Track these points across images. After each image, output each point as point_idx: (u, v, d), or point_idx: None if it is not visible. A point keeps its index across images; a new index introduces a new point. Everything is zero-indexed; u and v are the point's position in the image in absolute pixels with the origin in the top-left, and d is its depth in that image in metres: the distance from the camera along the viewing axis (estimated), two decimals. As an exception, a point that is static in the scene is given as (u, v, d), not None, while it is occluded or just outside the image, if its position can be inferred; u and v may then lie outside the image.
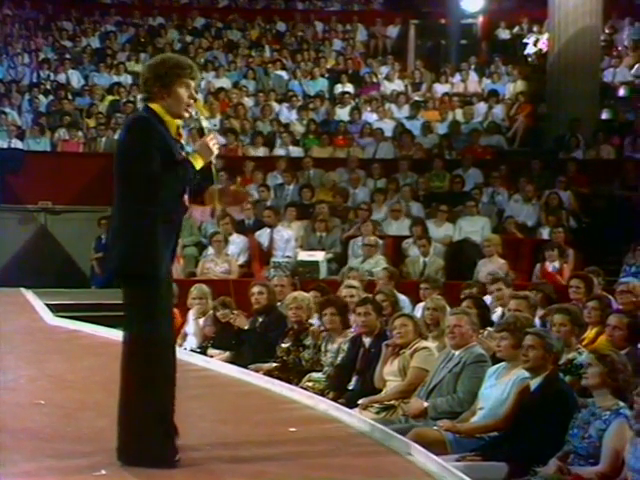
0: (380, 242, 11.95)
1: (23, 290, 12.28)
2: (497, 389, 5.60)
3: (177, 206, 4.25)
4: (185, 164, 4.21)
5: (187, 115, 4.30)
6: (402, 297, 8.85)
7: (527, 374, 5.43)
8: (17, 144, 15.32)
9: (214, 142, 4.31)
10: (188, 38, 19.97)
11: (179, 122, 4.32)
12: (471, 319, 6.14)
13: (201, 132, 4.38)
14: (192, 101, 4.30)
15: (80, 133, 15.51)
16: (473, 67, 18.96)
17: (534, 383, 5.34)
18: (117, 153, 4.29)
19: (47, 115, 16.41)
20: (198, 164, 4.25)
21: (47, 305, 10.61)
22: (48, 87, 17.49)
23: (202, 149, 4.28)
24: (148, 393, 4.16)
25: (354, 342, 7.16)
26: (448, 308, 7.11)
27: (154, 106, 4.27)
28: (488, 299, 8.75)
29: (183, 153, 4.30)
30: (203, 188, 4.42)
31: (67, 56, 18.70)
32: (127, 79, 17.94)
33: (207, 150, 4.27)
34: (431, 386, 6.09)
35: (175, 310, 9.23)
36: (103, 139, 15.23)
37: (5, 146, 15.18)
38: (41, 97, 17.02)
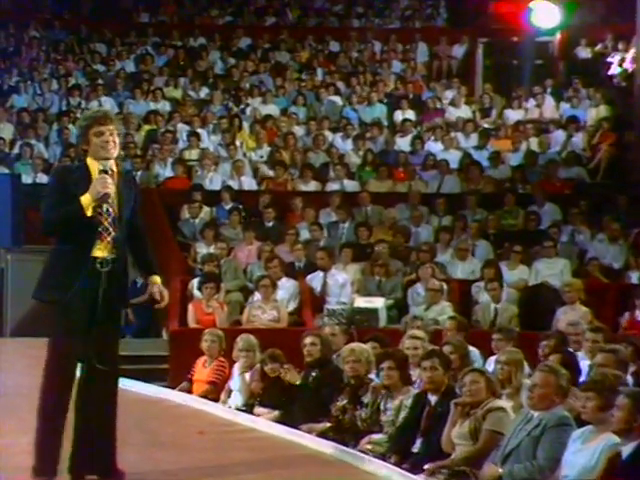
0: (445, 287, 11.94)
1: (50, 340, 12.38)
2: (583, 455, 5.54)
3: (82, 244, 5.39)
4: (74, 202, 5.35)
5: (108, 155, 5.46)
6: (471, 349, 8.80)
7: (618, 439, 5.37)
8: (43, 179, 15.54)
9: (102, 181, 5.39)
10: (232, 60, 20.21)
11: (102, 165, 5.45)
12: (559, 380, 6.00)
13: (99, 173, 5.44)
14: (111, 143, 5.48)
15: (113, 166, 15.72)
16: (549, 90, 18.92)
17: (626, 450, 5.28)
18: None
19: (77, 147, 16.67)
20: (86, 201, 5.38)
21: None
22: (78, 116, 17.76)
23: (90, 188, 5.39)
24: (43, 400, 5.47)
25: (418, 400, 7.14)
26: (525, 362, 7.06)
27: (88, 160, 5.53)
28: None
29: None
30: None
31: (99, 81, 19.01)
32: (165, 106, 18.19)
33: (94, 189, 5.38)
34: (507, 451, 6.04)
35: (222, 360, 9.37)
36: (139, 173, 15.41)
37: (29, 181, 15.40)
38: (71, 127, 17.30)
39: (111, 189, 5.41)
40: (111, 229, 5.44)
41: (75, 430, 5.55)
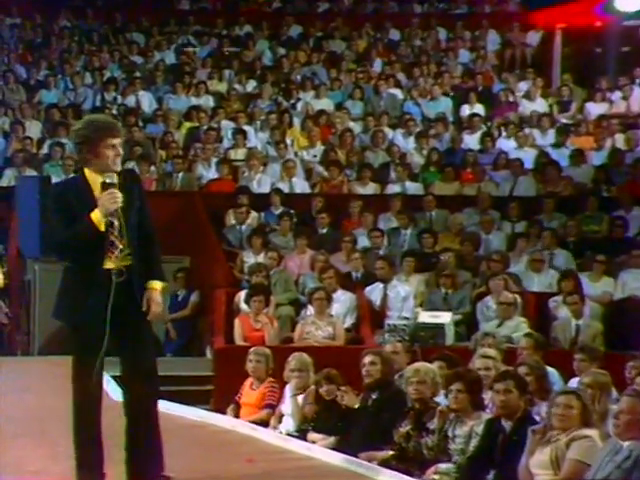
0: (519, 300, 11.88)
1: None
2: (682, 491, 5.47)
3: (92, 259, 5.65)
4: (83, 220, 5.60)
5: (117, 168, 5.68)
6: (550, 370, 8.76)
7: None
8: (75, 181, 15.70)
9: (111, 196, 5.59)
10: (281, 50, 20.35)
11: (104, 178, 5.65)
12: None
13: (104, 187, 5.64)
14: (120, 156, 5.73)
15: (152, 167, 15.86)
16: (638, 81, 18.80)
17: None
18: None
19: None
20: (97, 218, 5.60)
21: (113, 377, 10.77)
22: (114, 112, 17.93)
23: (100, 203, 5.62)
24: (73, 421, 5.78)
25: (491, 426, 7.11)
26: (612, 386, 6.99)
27: (86, 171, 5.75)
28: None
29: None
30: None
31: (137, 74, 19.20)
32: (208, 101, 18.32)
33: (102, 204, 5.60)
34: (594, 484, 5.98)
35: (272, 380, 9.34)
36: (180, 175, 15.54)
37: (60, 183, 15.55)
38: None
39: (120, 204, 5.63)
40: (117, 242, 5.68)
41: (125, 449, 5.87)
